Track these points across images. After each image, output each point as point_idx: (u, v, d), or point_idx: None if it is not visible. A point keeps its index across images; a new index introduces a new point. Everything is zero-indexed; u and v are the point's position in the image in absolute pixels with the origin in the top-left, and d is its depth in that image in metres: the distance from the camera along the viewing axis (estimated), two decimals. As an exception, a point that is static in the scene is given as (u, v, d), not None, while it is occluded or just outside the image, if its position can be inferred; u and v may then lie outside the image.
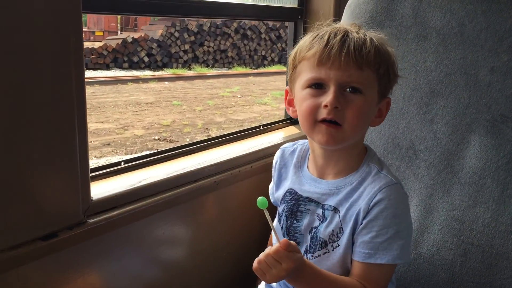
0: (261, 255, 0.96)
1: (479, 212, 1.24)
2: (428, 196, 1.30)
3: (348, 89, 1.00)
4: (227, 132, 1.65)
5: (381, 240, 1.00)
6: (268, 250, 0.95)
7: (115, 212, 1.09)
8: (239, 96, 10.84)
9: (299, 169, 1.17)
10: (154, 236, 1.24)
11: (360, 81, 1.00)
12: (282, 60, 15.79)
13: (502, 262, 1.20)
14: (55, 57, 0.93)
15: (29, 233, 0.94)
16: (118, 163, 1.26)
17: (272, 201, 1.23)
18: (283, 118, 1.90)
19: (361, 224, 1.02)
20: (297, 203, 1.13)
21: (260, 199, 0.97)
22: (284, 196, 1.17)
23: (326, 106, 0.99)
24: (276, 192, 1.21)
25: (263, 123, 1.79)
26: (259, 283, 1.24)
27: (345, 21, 1.52)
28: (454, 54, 1.33)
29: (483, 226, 1.23)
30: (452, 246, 1.25)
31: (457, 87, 1.31)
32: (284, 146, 1.24)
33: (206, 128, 7.86)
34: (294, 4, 1.89)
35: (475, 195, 1.25)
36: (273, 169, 1.24)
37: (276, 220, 1.19)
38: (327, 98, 0.99)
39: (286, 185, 1.18)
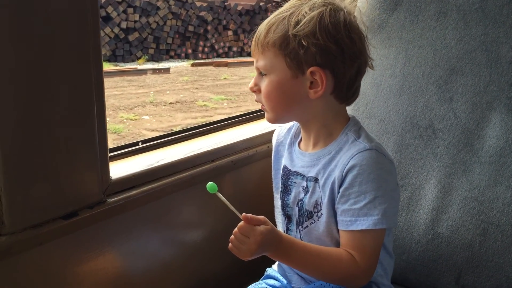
0: (232, 235, 1.00)
1: (499, 192, 1.22)
2: (447, 175, 1.29)
3: (260, 73, 1.09)
4: (244, 112, 1.65)
5: (360, 206, 1.01)
6: (236, 228, 0.99)
7: (134, 192, 1.11)
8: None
9: (291, 145, 1.20)
10: (171, 215, 1.25)
11: (262, 65, 1.07)
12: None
13: (522, 242, 1.19)
14: (73, 37, 0.93)
15: (50, 212, 0.96)
16: (136, 143, 1.27)
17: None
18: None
19: (339, 193, 1.04)
20: (287, 178, 1.16)
21: (210, 184, 1.03)
22: (281, 173, 1.20)
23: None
24: (274, 171, 1.25)
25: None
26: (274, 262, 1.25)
27: (363, -2, 1.49)
28: (475, 30, 1.30)
29: (503, 206, 1.21)
30: (471, 226, 1.24)
31: (478, 64, 1.28)
32: (281, 125, 1.27)
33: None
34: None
35: (495, 174, 1.23)
36: (273, 149, 1.28)
37: (275, 200, 1.24)
38: None
39: (281, 163, 1.21)
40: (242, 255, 1.00)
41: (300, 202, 1.12)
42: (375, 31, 1.44)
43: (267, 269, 1.26)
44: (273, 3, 10.93)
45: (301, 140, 1.18)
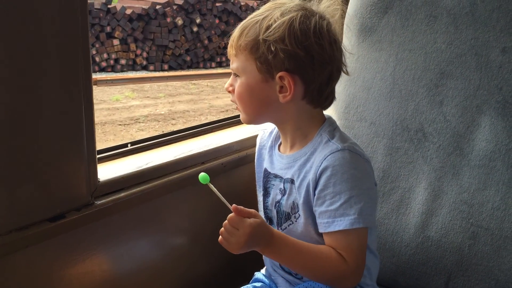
0: (222, 228, 1.00)
1: (489, 195, 1.23)
2: (437, 179, 1.29)
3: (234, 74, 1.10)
4: (235, 115, 1.64)
5: (336, 207, 1.01)
6: (225, 221, 0.99)
7: (122, 194, 1.09)
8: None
9: (272, 148, 1.21)
10: (160, 218, 1.24)
11: (235, 67, 1.08)
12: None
13: (511, 245, 1.19)
14: (62, 38, 0.92)
15: (36, 214, 0.95)
16: (125, 145, 1.25)
17: None
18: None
19: (314, 195, 1.04)
20: (267, 180, 1.17)
21: (202, 175, 1.03)
22: (262, 176, 1.21)
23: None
24: (257, 174, 1.25)
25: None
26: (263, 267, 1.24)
27: (353, 1, 1.49)
28: (465, 34, 1.30)
29: (492, 209, 1.22)
30: (460, 229, 1.25)
31: (468, 68, 1.29)
32: (263, 128, 1.27)
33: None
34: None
35: (484, 177, 1.24)
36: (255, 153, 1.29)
37: (259, 204, 1.24)
38: None
39: (263, 166, 1.22)
40: (231, 248, 0.99)
41: (277, 204, 1.13)
42: (366, 34, 1.44)
43: (255, 273, 1.25)
44: (174, 7, 9.96)
45: (281, 143, 1.19)
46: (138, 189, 1.13)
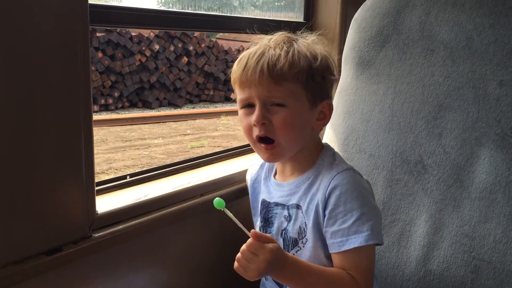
0: (239, 253, 0.97)
1: (490, 228, 1.22)
2: (438, 211, 1.28)
3: (272, 105, 1.06)
4: (234, 146, 1.64)
5: (348, 225, 1.01)
6: (243, 246, 0.96)
7: (121, 227, 1.08)
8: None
9: (267, 179, 1.22)
10: (159, 251, 1.22)
11: (280, 96, 1.05)
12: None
13: (514, 279, 1.18)
14: (63, 69, 0.93)
15: (33, 248, 0.93)
16: (124, 177, 1.25)
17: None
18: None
19: (324, 216, 1.04)
20: (267, 210, 1.17)
21: (217, 200, 1.01)
22: (260, 208, 1.20)
23: (255, 124, 1.06)
24: (253, 209, 1.25)
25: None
26: None
27: (351, 35, 1.51)
28: (462, 67, 1.32)
29: (494, 242, 1.21)
30: (462, 263, 1.23)
31: (466, 100, 1.30)
32: (252, 164, 1.30)
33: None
34: (300, 18, 1.89)
35: (485, 210, 1.23)
36: (248, 189, 1.29)
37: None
38: (254, 116, 1.06)
39: (259, 198, 1.22)
40: (249, 275, 0.96)
41: (283, 232, 1.12)
42: (364, 67, 1.46)
43: None
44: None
45: (275, 172, 1.20)
46: (137, 221, 1.12)
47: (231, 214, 1.01)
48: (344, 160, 1.13)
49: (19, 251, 0.91)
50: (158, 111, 9.47)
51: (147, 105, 9.59)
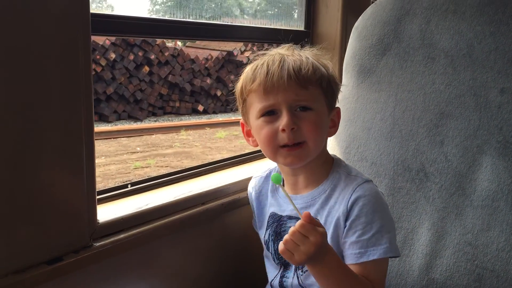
0: (287, 235, 0.94)
1: (493, 236, 1.21)
2: (440, 219, 1.28)
3: (298, 109, 1.06)
4: (235, 155, 1.64)
5: (368, 237, 1.02)
6: (293, 228, 0.94)
7: (122, 236, 1.08)
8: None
9: (274, 192, 1.20)
10: (160, 260, 1.22)
11: (307, 99, 1.06)
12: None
13: (518, 288, 1.17)
14: (64, 79, 0.93)
15: (34, 257, 0.93)
16: (125, 186, 1.24)
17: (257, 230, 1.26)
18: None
19: (345, 226, 1.04)
20: (279, 224, 1.15)
21: (274, 175, 1.02)
22: (268, 222, 1.18)
23: (283, 130, 1.04)
24: (259, 221, 1.23)
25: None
26: None
27: (352, 44, 1.52)
28: (463, 75, 1.32)
29: (497, 250, 1.20)
30: (466, 271, 1.22)
31: (467, 108, 1.30)
32: (255, 175, 1.28)
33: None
34: (301, 27, 1.90)
35: (488, 218, 1.22)
36: (250, 201, 1.28)
37: (264, 249, 1.21)
38: (282, 121, 1.04)
39: (267, 211, 1.20)
40: (296, 258, 0.93)
41: None
42: (365, 75, 1.46)
43: None
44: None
45: (283, 185, 1.17)
46: (138, 230, 1.11)
47: (286, 191, 1.02)
48: (358, 171, 1.13)
49: (20, 260, 0.91)
50: (116, 125, 8.60)
51: (103, 119, 8.75)
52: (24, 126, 0.88)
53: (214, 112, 10.21)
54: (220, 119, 9.66)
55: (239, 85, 1.13)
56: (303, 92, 1.05)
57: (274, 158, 1.11)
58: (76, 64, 0.94)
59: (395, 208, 1.34)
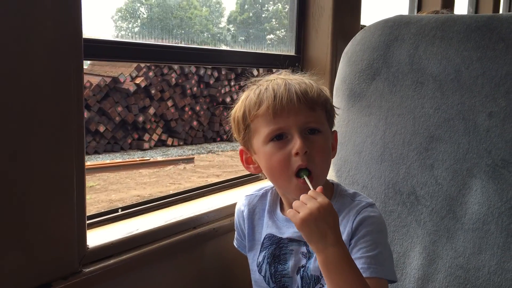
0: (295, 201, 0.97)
1: (485, 259, 1.21)
2: (432, 243, 1.28)
3: (308, 131, 1.05)
4: (225, 179, 1.64)
5: (373, 254, 1.01)
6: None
7: (112, 261, 1.06)
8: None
9: (272, 213, 1.16)
10: (152, 286, 1.20)
11: (316, 121, 1.05)
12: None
13: (510, 312, 1.16)
14: (56, 101, 0.93)
15: (22, 283, 0.91)
16: (115, 210, 1.23)
17: (244, 252, 1.22)
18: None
19: (350, 245, 1.04)
20: (278, 247, 1.12)
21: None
22: (263, 243, 1.15)
23: (297, 153, 1.02)
24: (250, 242, 1.18)
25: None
26: None
27: (342, 68, 1.54)
28: (452, 99, 1.34)
29: (489, 274, 1.20)
30: (458, 295, 1.22)
31: (456, 132, 1.31)
32: (248, 194, 1.23)
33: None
34: (292, 52, 1.92)
35: (479, 241, 1.23)
36: (238, 219, 1.22)
37: (254, 273, 1.16)
38: (295, 145, 1.02)
39: (262, 232, 1.16)
40: (300, 214, 0.93)
41: (302, 269, 1.08)
42: (355, 99, 1.48)
43: None
44: None
45: (281, 207, 1.15)
46: (128, 255, 1.10)
47: (308, 181, 1.01)
48: (361, 194, 1.13)
49: (8, 287, 0.89)
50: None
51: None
52: (14, 151, 0.88)
53: (97, 152, 8.74)
54: (107, 161, 8.26)
55: (239, 112, 1.10)
56: (312, 114, 1.05)
57: (286, 187, 1.08)
58: (68, 90, 0.94)
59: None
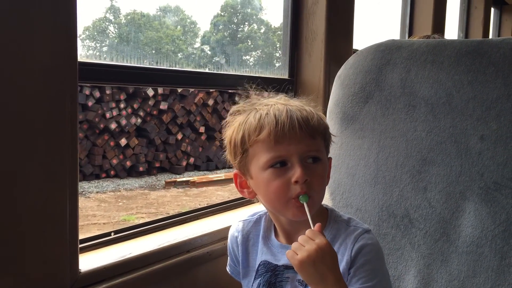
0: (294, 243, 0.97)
1: (479, 283, 1.21)
2: (426, 266, 1.27)
3: (308, 160, 1.04)
4: (219, 202, 1.63)
5: (372, 284, 1.01)
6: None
7: (104, 285, 1.05)
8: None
9: (267, 239, 1.15)
10: (143, 311, 1.19)
11: (317, 149, 1.06)
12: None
13: (506, 336, 1.16)
14: (50, 128, 0.93)
15: (12, 309, 0.90)
16: (108, 234, 1.23)
17: (238, 278, 1.20)
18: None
19: (349, 274, 1.03)
20: (274, 274, 1.11)
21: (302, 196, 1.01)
22: (257, 270, 1.13)
23: (296, 181, 1.01)
24: (244, 268, 1.17)
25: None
26: None
27: (335, 91, 1.55)
28: (444, 122, 1.35)
29: (484, 297, 1.19)
30: (453, 319, 1.21)
31: (449, 155, 1.32)
32: (241, 219, 1.21)
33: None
34: (285, 75, 1.94)
35: (473, 264, 1.22)
36: (232, 245, 1.20)
37: None
38: (295, 173, 1.01)
39: (256, 258, 1.15)
40: (298, 256, 0.94)
41: None
42: (348, 122, 1.49)
43: None
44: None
45: (275, 233, 1.14)
46: (121, 280, 1.09)
47: (308, 211, 1.01)
48: (356, 220, 1.12)
49: (-3, 313, 0.88)
50: None
51: None
52: (7, 172, 0.87)
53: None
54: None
55: (237, 135, 1.07)
56: (313, 142, 1.05)
57: (282, 210, 1.06)
58: (63, 112, 0.95)
59: (381, 254, 1.33)
